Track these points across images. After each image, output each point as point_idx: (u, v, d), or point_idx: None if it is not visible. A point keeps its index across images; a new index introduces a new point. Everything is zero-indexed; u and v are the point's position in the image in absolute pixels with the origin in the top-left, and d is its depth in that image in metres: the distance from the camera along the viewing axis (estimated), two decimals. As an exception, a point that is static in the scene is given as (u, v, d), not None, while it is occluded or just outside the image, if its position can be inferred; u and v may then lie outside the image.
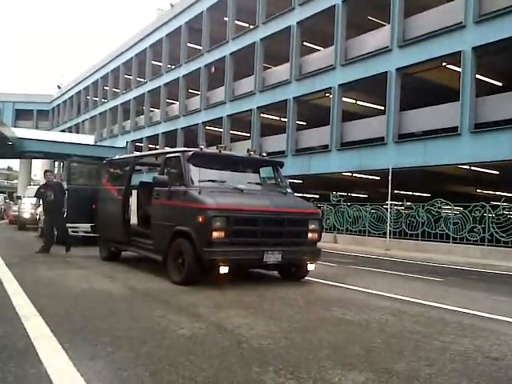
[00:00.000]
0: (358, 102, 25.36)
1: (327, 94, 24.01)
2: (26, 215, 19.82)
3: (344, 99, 23.60)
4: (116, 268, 9.16)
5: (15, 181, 57.79)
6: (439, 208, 16.85)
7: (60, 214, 11.30)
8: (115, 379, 3.17)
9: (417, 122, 20.06)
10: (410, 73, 20.49)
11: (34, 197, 11.96)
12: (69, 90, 58.05)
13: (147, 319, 4.90)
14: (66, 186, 11.45)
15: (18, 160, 47.17)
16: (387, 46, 20.75)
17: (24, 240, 15.76)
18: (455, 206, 16.73)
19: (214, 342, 4.15)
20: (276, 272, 8.58)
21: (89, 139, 43.65)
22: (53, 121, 63.36)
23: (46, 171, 12.01)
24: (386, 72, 20.54)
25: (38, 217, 17.56)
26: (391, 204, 18.10)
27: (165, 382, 3.12)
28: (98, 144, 44.26)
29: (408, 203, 18.50)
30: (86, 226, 11.65)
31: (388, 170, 17.28)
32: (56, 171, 59.93)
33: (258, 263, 7.53)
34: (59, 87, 61.01)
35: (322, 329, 4.82)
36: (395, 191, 19.83)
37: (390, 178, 17.01)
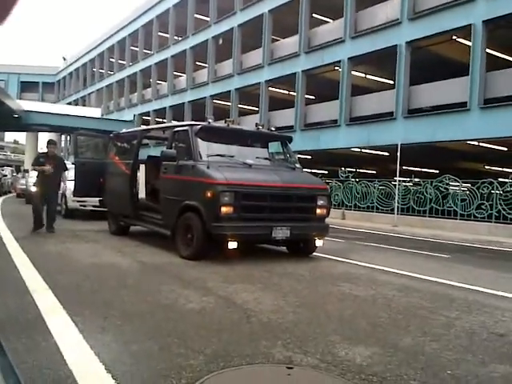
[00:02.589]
0: (368, 76, 25.10)
1: (336, 68, 23.78)
2: (33, 189, 19.91)
3: (353, 73, 23.37)
4: (125, 242, 9.23)
5: (21, 155, 57.90)
6: (447, 184, 16.82)
7: (55, 193, 10.46)
8: (124, 352, 3.22)
9: (426, 97, 19.87)
10: (420, 46, 20.21)
11: (32, 165, 10.76)
12: (74, 61, 57.68)
13: (156, 293, 4.96)
14: (69, 163, 11.12)
15: (25, 133, 47.20)
16: (397, 19, 20.45)
17: (31, 213, 15.86)
18: (463, 182, 16.68)
19: (222, 315, 4.20)
20: (284, 248, 8.63)
21: (95, 112, 43.54)
22: (59, 93, 63.16)
23: (49, 141, 10.71)
24: (396, 45, 20.28)
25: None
26: (399, 180, 18.07)
27: (173, 355, 3.17)
28: (105, 117, 44.18)
29: (416, 179, 18.48)
30: (95, 200, 11.69)
31: (397, 145, 17.19)
32: (63, 144, 60.11)
33: (267, 239, 7.58)
34: (64, 59, 60.63)
35: (329, 304, 4.87)
36: (403, 167, 19.74)
37: (398, 153, 16.93)
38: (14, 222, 11.97)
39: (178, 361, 3.08)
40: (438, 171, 24.91)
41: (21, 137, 53.11)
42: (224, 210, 6.91)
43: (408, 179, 19.45)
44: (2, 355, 0.91)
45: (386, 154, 23.04)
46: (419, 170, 27.68)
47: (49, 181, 10.10)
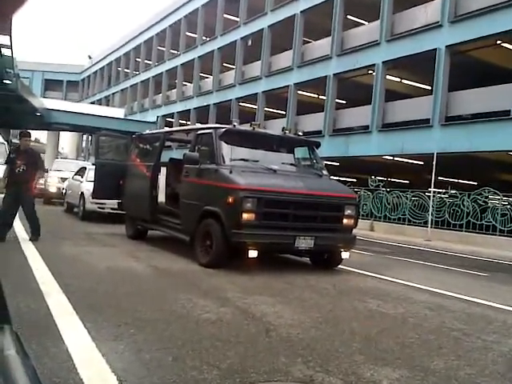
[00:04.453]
0: (403, 81, 24.88)
1: (370, 72, 23.63)
2: (53, 189, 20.17)
3: (388, 77, 23.19)
4: (142, 247, 9.28)
5: (42, 154, 59.03)
6: (486, 198, 16.49)
7: (28, 195, 8.78)
8: (136, 362, 3.20)
9: (466, 104, 19.54)
10: (461, 51, 19.95)
11: (5, 164, 9.13)
12: (100, 60, 58.66)
13: (172, 301, 4.95)
14: (89, 164, 10.83)
15: (46, 132, 48.02)
16: (437, 22, 20.21)
17: (49, 215, 16.10)
18: (504, 195, 16.33)
19: (240, 328, 4.16)
20: (307, 259, 8.57)
21: (119, 113, 44.08)
22: (82, 92, 64.30)
23: (22, 133, 9.12)
24: (435, 49, 20.01)
25: (64, 191, 17.92)
26: (434, 191, 17.79)
27: (187, 368, 3.13)
28: (128, 118, 44.71)
29: (452, 191, 18.15)
30: (113, 203, 11.79)
31: (432, 154, 16.94)
32: (84, 145, 61.04)
33: (289, 248, 7.53)
34: (90, 57, 61.68)
35: (354, 320, 4.78)
36: (439, 178, 19.46)
37: (434, 163, 16.69)
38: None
39: (191, 374, 3.04)
40: (476, 183, 24.49)
41: (42, 135, 53.94)
42: (245, 216, 6.87)
43: (443, 191, 19.14)
44: (26, 358, 0.92)
45: (421, 163, 22.73)
46: (456, 181, 27.27)
47: (19, 180, 8.61)
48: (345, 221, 7.85)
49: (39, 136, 56.14)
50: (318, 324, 4.53)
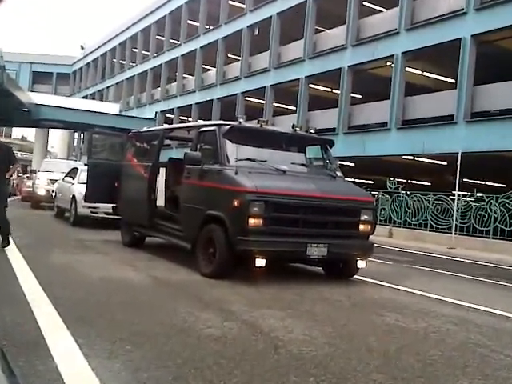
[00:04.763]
0: (425, 74, 24.87)
1: (388, 63, 23.62)
2: (41, 192, 20.20)
3: (408, 69, 23.17)
4: (139, 255, 9.30)
5: (29, 153, 59.14)
6: (516, 201, 16.41)
7: (1, 194, 8.88)
8: (133, 381, 3.21)
9: (493, 99, 19.48)
10: (488, 40, 19.91)
11: None
12: (93, 51, 58.78)
13: (171, 314, 4.96)
14: (81, 164, 10.82)
15: (34, 129, 48.24)
16: (462, 9, 20.19)
17: (38, 220, 16.19)
18: (536, 199, 16.24)
19: (246, 344, 4.16)
20: (320, 268, 8.55)
21: (114, 108, 44.27)
22: (74, 86, 64.48)
23: None
24: (460, 39, 19.98)
25: (53, 194, 17.97)
26: (459, 194, 17.73)
27: (189, 388, 3.14)
28: (124, 114, 44.86)
29: (479, 194, 18.10)
30: (107, 207, 11.81)
31: (457, 154, 16.89)
32: (75, 143, 61.26)
33: (300, 257, 7.52)
34: (82, 48, 61.82)
35: (371, 336, 4.77)
36: (464, 179, 19.41)
37: (458, 163, 16.64)
38: (17, 229, 12.12)
39: (193, 395, 3.04)
40: (505, 185, 24.38)
41: (30, 133, 54.19)
42: (252, 221, 6.87)
43: (469, 194, 19.09)
44: (13, 377, 0.92)
45: (444, 163, 22.68)
46: (482, 183, 27.19)
47: None
48: (361, 227, 7.84)
49: (26, 134, 56.41)
50: (332, 340, 4.52)
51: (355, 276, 8.22)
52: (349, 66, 25.09)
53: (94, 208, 13.20)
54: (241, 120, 8.22)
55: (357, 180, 26.26)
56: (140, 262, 8.49)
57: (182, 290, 6.37)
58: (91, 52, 59.33)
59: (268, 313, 5.36)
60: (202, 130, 8.70)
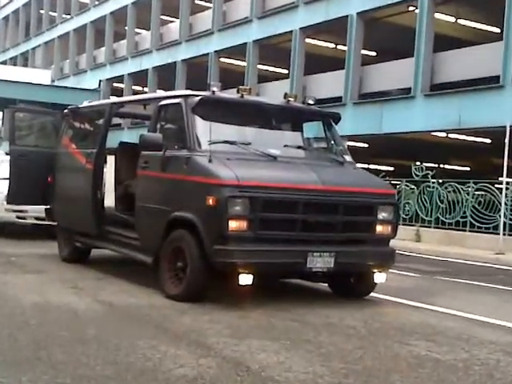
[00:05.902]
0: (459, 21, 24.89)
1: (411, 8, 23.67)
2: None
3: (437, 16, 23.23)
4: (83, 273, 9.28)
5: None
6: None
7: None
8: None
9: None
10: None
11: None
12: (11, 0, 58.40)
13: (128, 351, 4.95)
14: (1, 153, 10.91)
15: None
16: None
17: None
18: None
19: (229, 388, 4.18)
20: (325, 284, 8.58)
21: (43, 76, 43.77)
22: (-12, 47, 64.03)
23: None
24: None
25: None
26: (507, 183, 17.81)
27: None
28: (57, 84, 44.54)
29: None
30: (38, 210, 11.75)
31: (504, 127, 16.97)
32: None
33: (299, 270, 7.53)
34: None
35: (395, 373, 4.80)
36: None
37: (506, 140, 16.72)
38: None
39: None
40: None
41: None
42: (234, 225, 6.87)
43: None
44: None
45: (487, 140, 22.82)
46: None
47: None
48: (378, 228, 7.87)
49: None
50: (343, 379, 4.54)
51: (372, 294, 8.28)
52: (358, 13, 25.10)
53: (21, 212, 13.12)
54: (214, 89, 8.19)
55: (371, 166, 26.40)
56: (85, 282, 8.46)
57: (143, 318, 6.36)
58: (9, 1, 58.79)
59: (257, 345, 5.37)
60: (162, 103, 8.64)
